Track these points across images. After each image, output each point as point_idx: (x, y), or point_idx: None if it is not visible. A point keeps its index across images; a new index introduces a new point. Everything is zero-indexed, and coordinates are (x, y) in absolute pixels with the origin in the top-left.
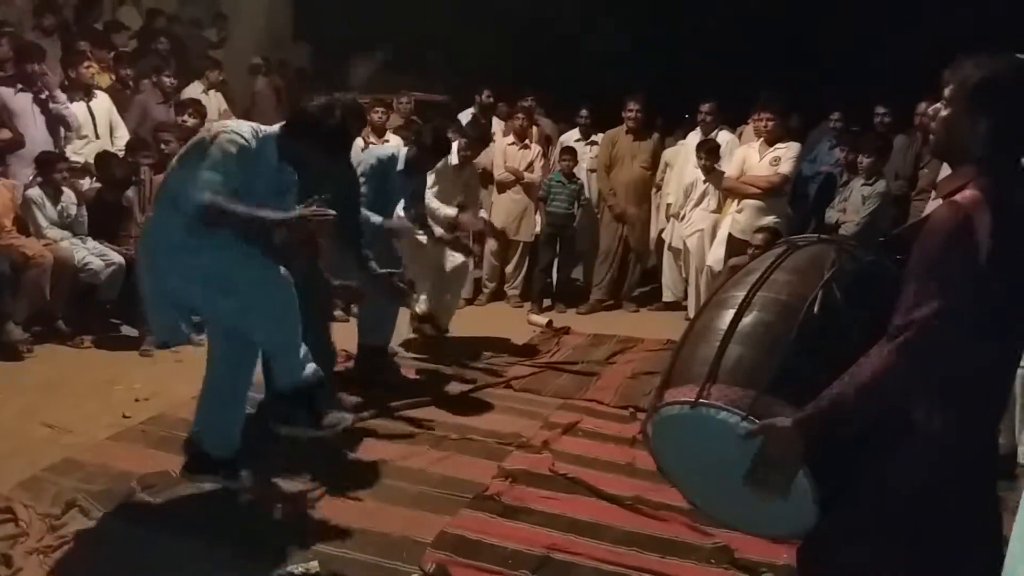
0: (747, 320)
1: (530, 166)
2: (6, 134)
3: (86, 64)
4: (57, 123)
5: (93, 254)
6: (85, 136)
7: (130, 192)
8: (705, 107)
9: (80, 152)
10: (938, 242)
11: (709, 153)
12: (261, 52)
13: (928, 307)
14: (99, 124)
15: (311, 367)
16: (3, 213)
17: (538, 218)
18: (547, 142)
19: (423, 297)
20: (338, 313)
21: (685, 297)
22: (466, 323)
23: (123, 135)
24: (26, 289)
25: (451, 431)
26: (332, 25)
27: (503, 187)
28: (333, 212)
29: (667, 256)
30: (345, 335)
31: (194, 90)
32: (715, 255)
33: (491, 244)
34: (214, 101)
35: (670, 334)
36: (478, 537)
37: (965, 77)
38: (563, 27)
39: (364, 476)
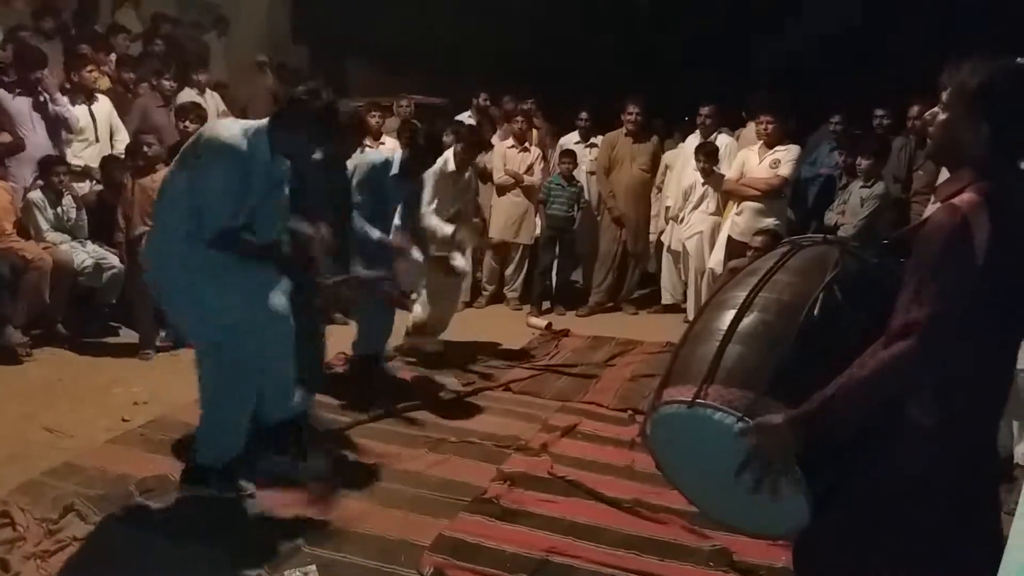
0: (748, 320)
1: (530, 169)
2: (6, 137)
3: (88, 68)
4: (58, 126)
5: (93, 257)
6: (86, 139)
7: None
8: (704, 110)
9: (80, 155)
10: (936, 245)
11: (708, 156)
12: (261, 54)
13: (925, 310)
14: (100, 127)
15: (299, 398)
16: (3, 216)
17: (538, 221)
18: (547, 144)
19: (417, 308)
20: (337, 316)
21: (684, 300)
22: (465, 326)
23: (123, 138)
24: (25, 292)
25: (449, 434)
26: (331, 28)
27: (503, 190)
28: (331, 231)
29: (666, 259)
30: (345, 336)
31: (188, 94)
32: (715, 258)
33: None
34: (211, 103)
35: (669, 336)
36: (476, 540)
37: (964, 81)
38: (563, 29)
39: (362, 479)
